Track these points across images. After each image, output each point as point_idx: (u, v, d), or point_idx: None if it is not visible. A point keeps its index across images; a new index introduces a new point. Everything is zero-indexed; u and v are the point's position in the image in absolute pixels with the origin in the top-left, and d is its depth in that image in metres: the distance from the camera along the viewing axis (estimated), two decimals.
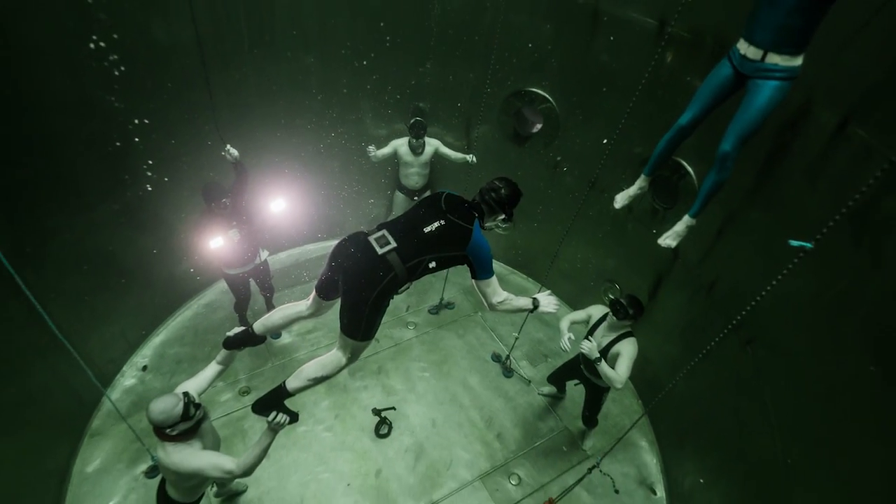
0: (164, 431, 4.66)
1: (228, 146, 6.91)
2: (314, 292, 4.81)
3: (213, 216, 6.93)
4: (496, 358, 9.20)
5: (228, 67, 7.61)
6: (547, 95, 8.26)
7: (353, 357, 4.67)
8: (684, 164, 6.86)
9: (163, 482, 5.20)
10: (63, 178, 6.31)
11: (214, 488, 6.82)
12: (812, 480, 4.98)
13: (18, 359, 5.86)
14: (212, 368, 5.02)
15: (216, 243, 6.88)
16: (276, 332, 5.34)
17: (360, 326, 4.40)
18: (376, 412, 7.91)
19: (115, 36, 6.14)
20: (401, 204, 9.67)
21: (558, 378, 8.04)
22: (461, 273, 4.95)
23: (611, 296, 8.80)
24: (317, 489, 7.08)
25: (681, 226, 5.68)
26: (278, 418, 4.65)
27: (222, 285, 9.42)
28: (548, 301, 5.15)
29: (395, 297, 4.48)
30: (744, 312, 4.46)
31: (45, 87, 5.81)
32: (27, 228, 5.93)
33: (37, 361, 6.10)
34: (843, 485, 4.65)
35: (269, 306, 8.66)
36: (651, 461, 8.00)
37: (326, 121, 9.06)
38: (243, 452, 4.82)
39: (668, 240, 5.76)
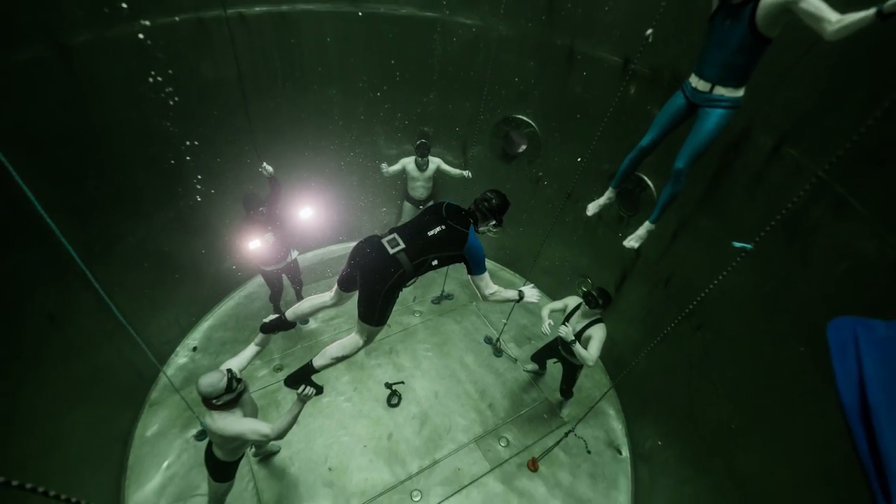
0: (211, 401, 4.68)
1: (265, 163, 6.95)
2: (336, 285, 4.82)
3: (251, 222, 6.96)
4: (488, 340, 9.20)
5: (264, 98, 7.62)
6: (530, 121, 8.26)
7: (368, 340, 4.68)
8: (645, 178, 6.88)
9: (210, 444, 5.21)
10: (127, 191, 6.33)
11: (253, 449, 6.84)
12: (752, 442, 5.01)
13: (89, 342, 5.87)
14: (251, 349, 5.03)
15: (254, 244, 6.91)
16: (304, 318, 5.33)
17: (374, 314, 4.42)
18: (388, 386, 7.91)
19: (170, 72, 6.16)
20: (408, 212, 9.68)
21: (540, 357, 8.05)
22: (459, 269, 4.95)
23: (584, 288, 8.81)
24: (339, 450, 7.10)
25: (642, 230, 5.70)
26: (306, 391, 4.67)
27: (259, 280, 9.47)
28: (531, 293, 5.17)
29: (403, 289, 4.49)
30: (694, 303, 4.46)
31: (112, 117, 5.83)
32: (97, 233, 5.94)
33: (104, 344, 6.12)
34: (777, 445, 4.69)
35: (299, 297, 8.66)
36: (617, 426, 8.00)
37: (346, 142, 9.07)
38: (277, 419, 4.82)
39: (631, 242, 5.77)
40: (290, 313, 5.07)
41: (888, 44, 3.85)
